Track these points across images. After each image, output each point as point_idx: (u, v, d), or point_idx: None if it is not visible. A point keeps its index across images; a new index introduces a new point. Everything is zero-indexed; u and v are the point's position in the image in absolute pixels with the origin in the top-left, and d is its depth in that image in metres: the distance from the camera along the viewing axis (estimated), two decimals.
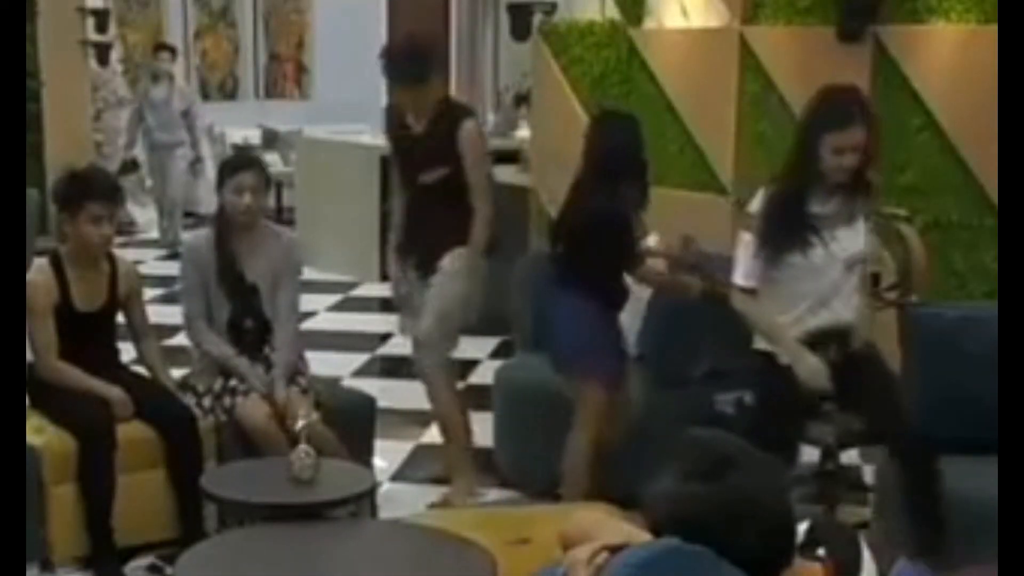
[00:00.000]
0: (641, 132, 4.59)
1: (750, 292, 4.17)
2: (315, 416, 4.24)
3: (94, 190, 4.47)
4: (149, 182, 11.35)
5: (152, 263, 9.90)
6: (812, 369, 4.08)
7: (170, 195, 10.78)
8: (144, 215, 11.66)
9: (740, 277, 4.19)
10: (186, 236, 8.72)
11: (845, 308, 4.19)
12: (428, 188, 4.83)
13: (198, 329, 4.69)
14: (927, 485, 3.91)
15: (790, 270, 4.13)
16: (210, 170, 11.50)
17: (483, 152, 4.93)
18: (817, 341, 4.15)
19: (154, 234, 11.21)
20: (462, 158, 4.77)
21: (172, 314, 7.80)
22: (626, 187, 4.44)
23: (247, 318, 4.71)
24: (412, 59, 4.77)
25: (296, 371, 4.73)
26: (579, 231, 4.51)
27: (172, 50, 11.02)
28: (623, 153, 4.48)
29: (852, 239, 4.17)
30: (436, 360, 4.95)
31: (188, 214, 11.46)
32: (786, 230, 4.11)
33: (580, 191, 4.53)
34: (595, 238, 4.45)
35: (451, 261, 4.83)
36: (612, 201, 4.41)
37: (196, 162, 11.09)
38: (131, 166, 10.97)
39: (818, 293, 4.15)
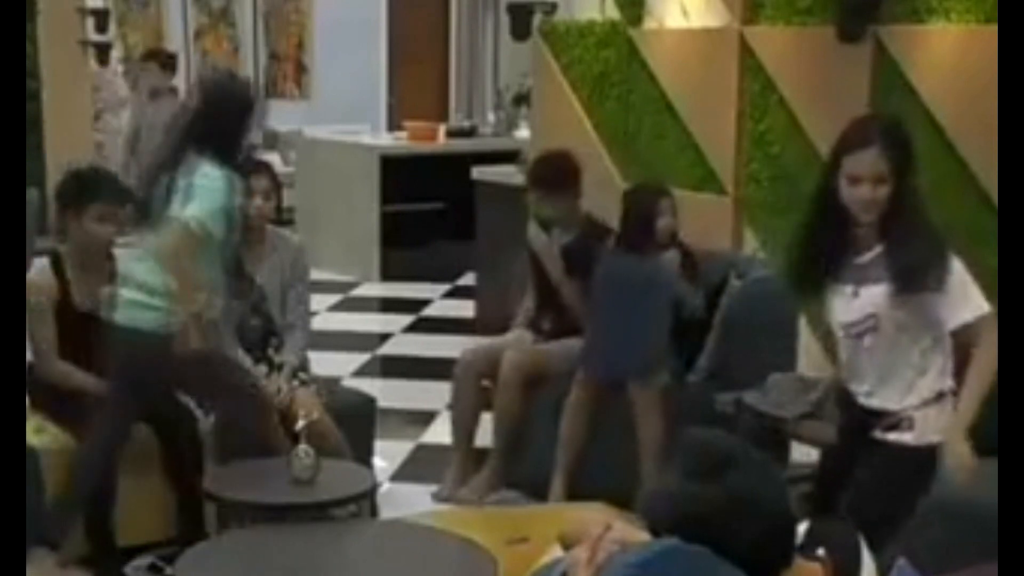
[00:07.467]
0: None
1: None
2: (316, 414, 4.24)
3: (101, 189, 4.48)
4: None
5: None
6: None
7: None
8: None
9: None
10: None
11: None
12: None
13: None
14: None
15: None
16: None
17: None
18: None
19: None
20: None
21: None
22: None
23: (253, 318, 4.73)
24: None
25: (300, 367, 4.74)
26: None
27: (172, 58, 9.46)
28: None
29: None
30: None
31: None
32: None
33: None
34: None
35: None
36: None
37: None
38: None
39: None
